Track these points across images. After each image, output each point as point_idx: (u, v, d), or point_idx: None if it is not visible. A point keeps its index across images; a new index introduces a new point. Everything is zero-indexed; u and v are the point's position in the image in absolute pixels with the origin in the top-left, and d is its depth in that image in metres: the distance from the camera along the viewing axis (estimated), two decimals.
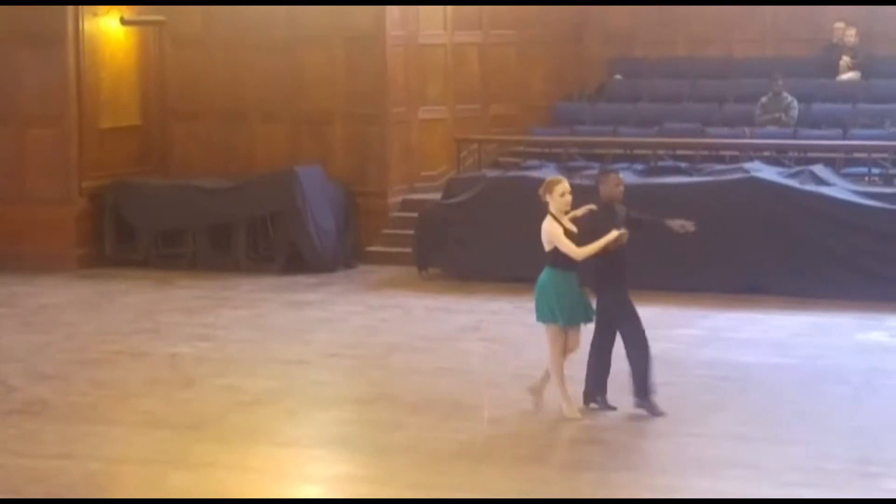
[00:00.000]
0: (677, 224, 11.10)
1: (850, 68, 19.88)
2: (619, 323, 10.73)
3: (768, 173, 16.21)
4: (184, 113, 19.52)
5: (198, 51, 19.33)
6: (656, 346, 13.01)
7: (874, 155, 17.60)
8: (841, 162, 17.56)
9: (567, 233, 10.49)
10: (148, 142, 19.58)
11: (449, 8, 19.56)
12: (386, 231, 18.44)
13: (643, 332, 10.73)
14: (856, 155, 17.77)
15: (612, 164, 18.32)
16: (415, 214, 17.60)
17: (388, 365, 12.73)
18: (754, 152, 17.87)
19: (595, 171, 17.48)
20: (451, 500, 8.75)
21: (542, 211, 16.55)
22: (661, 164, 17.94)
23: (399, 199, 18.77)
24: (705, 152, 18.24)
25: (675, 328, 14.00)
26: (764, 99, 18.92)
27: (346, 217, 18.33)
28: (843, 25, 19.84)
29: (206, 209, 18.00)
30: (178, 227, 18.21)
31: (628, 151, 18.79)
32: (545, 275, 10.67)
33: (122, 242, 18.44)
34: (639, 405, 10.64)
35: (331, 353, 13.19)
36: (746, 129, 18.58)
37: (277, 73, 19.01)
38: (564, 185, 10.60)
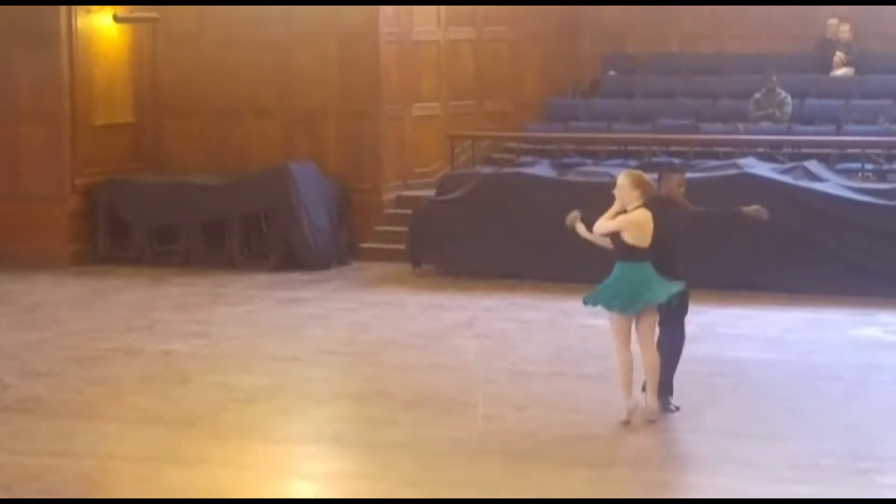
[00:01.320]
0: (752, 210, 10.88)
1: (843, 64, 19.91)
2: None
3: (762, 169, 16.22)
4: (177, 110, 19.50)
5: (191, 48, 19.31)
6: None
7: (868, 151, 17.63)
8: (834, 158, 17.59)
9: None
10: (141, 139, 19.56)
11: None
12: (380, 228, 18.43)
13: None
14: (849, 151, 17.81)
15: (605, 159, 18.37)
16: (409, 211, 17.60)
17: (382, 361, 12.73)
18: (748, 148, 17.89)
19: (588, 168, 17.57)
20: (452, 500, 8.71)
21: (534, 207, 16.63)
22: (654, 160, 17.94)
23: (393, 195, 18.77)
24: (699, 148, 18.28)
25: None
26: (758, 95, 18.95)
27: (339, 214, 18.31)
28: (837, 22, 19.88)
29: (199, 206, 17.98)
30: (171, 224, 18.19)
31: (622, 148, 18.80)
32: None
33: (115, 239, 18.41)
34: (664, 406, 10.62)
35: (324, 350, 13.20)
36: (740, 125, 18.61)
37: (271, 70, 18.99)
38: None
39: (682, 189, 10.80)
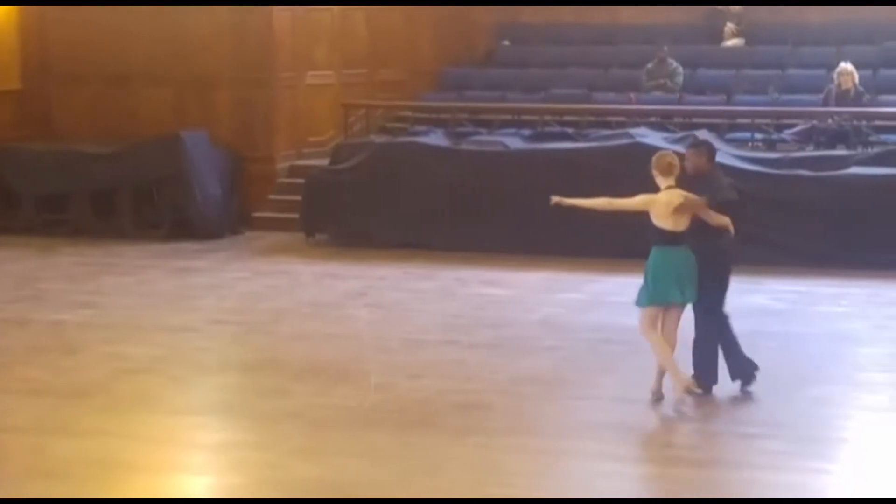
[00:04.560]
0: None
1: (734, 35, 20.13)
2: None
3: (653, 139, 16.33)
4: (66, 76, 19.21)
5: (80, 12, 19.01)
6: (543, 311, 13.23)
7: (757, 121, 17.85)
8: (725, 127, 17.78)
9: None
10: (28, 106, 19.28)
11: None
12: (273, 197, 18.34)
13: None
14: (739, 121, 18.01)
15: (498, 128, 18.41)
16: (302, 180, 17.53)
17: (275, 331, 12.68)
18: (640, 118, 18.04)
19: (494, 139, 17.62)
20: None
21: (428, 176, 16.64)
22: (547, 129, 18.03)
23: (286, 164, 18.68)
24: (592, 118, 18.39)
25: (562, 293, 14.11)
26: (649, 65, 19.10)
27: (232, 183, 18.20)
28: None
29: (89, 175, 17.77)
30: (60, 193, 17.98)
31: (516, 117, 18.88)
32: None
33: (2, 209, 18.15)
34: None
35: (217, 320, 13.12)
36: (632, 95, 18.75)
37: (162, 36, 18.75)
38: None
39: (703, 159, 10.50)
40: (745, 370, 10.34)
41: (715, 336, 10.26)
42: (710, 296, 10.16)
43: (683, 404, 9.93)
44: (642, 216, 10.16)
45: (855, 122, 17.21)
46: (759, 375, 10.40)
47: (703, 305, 10.19)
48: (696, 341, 10.27)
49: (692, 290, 10.03)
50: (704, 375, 10.25)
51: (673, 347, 10.07)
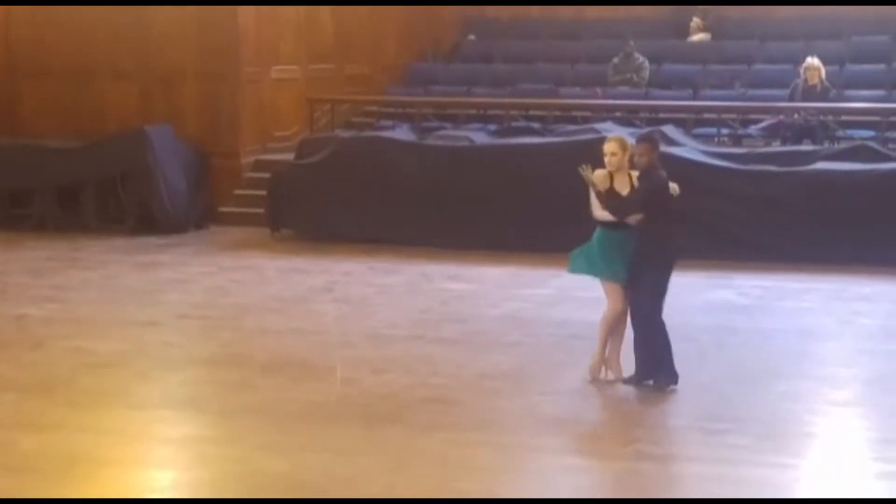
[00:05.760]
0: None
1: (700, 30, 20.17)
2: None
3: (619, 133, 16.33)
4: (32, 71, 19.12)
5: (45, 8, 18.91)
6: (509, 306, 13.23)
7: (723, 115, 17.88)
8: (691, 122, 17.81)
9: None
10: None
11: None
12: (238, 191, 18.29)
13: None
14: (705, 115, 18.05)
15: (464, 123, 18.39)
16: (267, 175, 17.49)
17: (240, 326, 12.64)
18: (606, 113, 18.05)
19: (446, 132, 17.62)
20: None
21: (393, 171, 16.60)
22: (514, 124, 18.03)
23: (251, 159, 18.63)
24: (558, 113, 18.40)
25: (527, 288, 14.12)
26: (616, 59, 19.12)
27: (197, 177, 18.15)
28: None
29: (54, 169, 17.71)
30: (25, 187, 17.90)
31: (482, 112, 18.86)
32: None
33: None
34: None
35: (182, 315, 13.07)
36: (598, 90, 18.76)
37: (128, 30, 18.68)
38: (608, 146, 10.62)
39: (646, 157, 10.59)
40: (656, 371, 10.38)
41: (661, 327, 10.30)
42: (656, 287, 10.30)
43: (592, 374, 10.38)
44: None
45: (821, 118, 17.27)
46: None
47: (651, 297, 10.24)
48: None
49: (595, 267, 10.53)
50: (667, 367, 10.31)
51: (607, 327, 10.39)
